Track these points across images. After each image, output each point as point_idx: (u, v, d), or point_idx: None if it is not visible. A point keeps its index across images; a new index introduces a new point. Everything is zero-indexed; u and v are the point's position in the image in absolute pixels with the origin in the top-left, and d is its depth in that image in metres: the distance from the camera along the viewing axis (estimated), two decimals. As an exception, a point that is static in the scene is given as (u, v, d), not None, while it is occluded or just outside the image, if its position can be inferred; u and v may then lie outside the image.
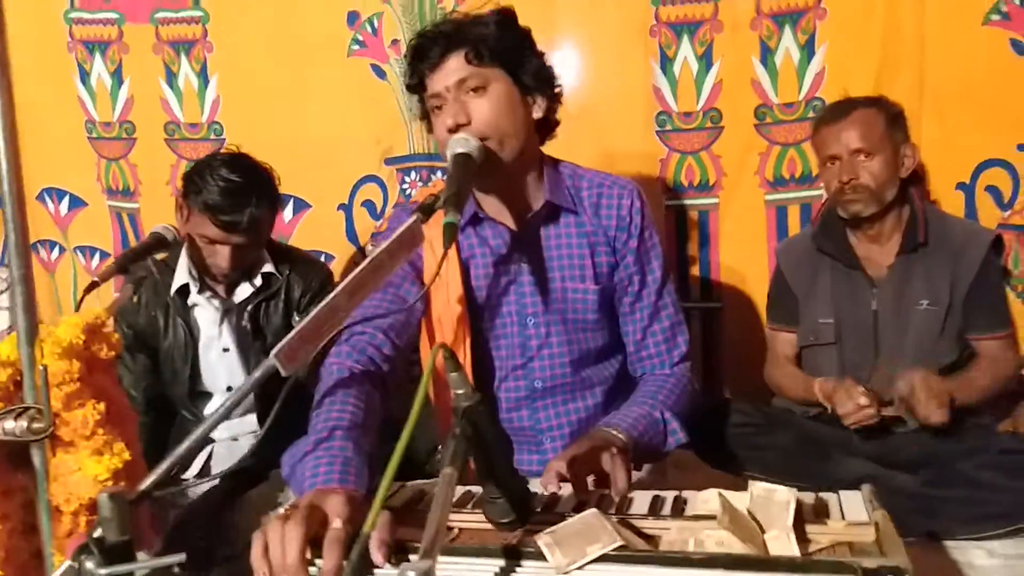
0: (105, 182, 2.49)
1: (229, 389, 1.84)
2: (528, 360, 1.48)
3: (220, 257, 1.73)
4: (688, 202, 2.28)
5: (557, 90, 1.49)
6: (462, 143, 1.29)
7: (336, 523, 0.86)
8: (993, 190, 2.12)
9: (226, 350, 1.84)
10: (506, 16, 1.41)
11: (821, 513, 0.94)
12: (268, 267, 1.85)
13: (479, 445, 0.86)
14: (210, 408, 1.86)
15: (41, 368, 1.05)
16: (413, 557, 0.82)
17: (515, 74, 1.40)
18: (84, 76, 2.45)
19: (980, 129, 2.10)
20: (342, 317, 1.11)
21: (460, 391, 0.86)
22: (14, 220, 1.06)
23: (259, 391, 1.77)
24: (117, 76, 2.43)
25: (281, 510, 0.92)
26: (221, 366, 1.83)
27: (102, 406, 1.12)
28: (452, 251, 1.47)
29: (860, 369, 1.83)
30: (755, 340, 2.23)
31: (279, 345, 1.04)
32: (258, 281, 1.84)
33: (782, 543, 0.84)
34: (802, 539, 0.87)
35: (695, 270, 2.31)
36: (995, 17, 2.06)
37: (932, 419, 1.62)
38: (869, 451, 1.76)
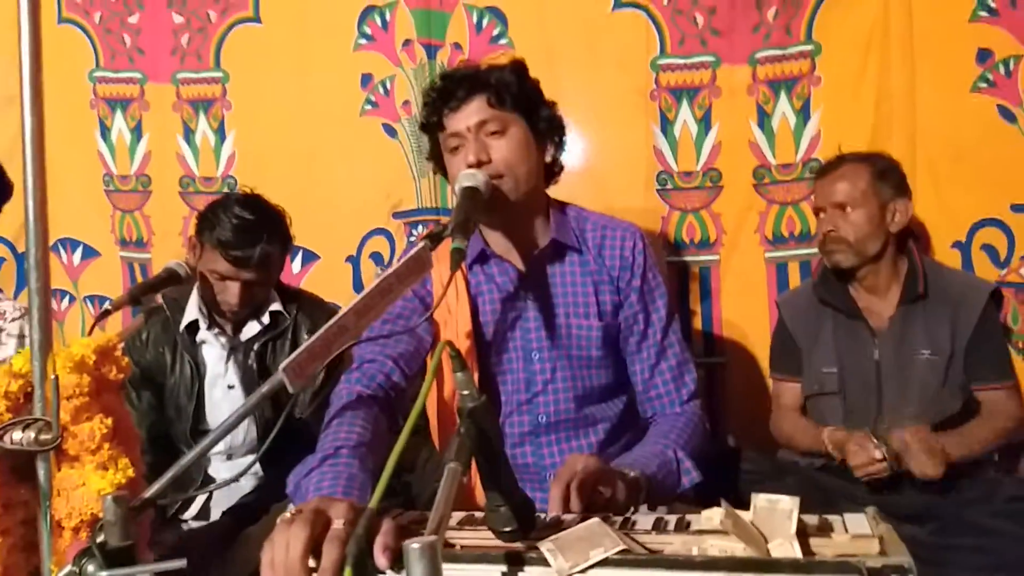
0: (119, 233, 2.54)
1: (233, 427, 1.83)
2: (533, 395, 1.49)
3: (230, 294, 1.76)
4: (689, 259, 2.32)
5: (563, 140, 1.57)
6: (470, 178, 1.35)
7: (338, 523, 0.86)
8: (989, 248, 2.17)
9: (231, 387, 1.85)
10: (521, 65, 1.50)
11: (825, 529, 0.94)
12: (276, 306, 1.88)
13: (483, 447, 0.87)
14: (215, 448, 1.84)
15: (52, 379, 1.07)
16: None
17: (531, 120, 1.48)
18: (105, 131, 2.54)
19: (973, 190, 2.16)
20: (350, 337, 1.14)
21: (465, 392, 0.87)
22: (35, 232, 1.10)
23: (262, 432, 1.79)
24: (137, 132, 2.53)
25: (287, 514, 0.92)
26: (226, 404, 1.83)
27: (109, 421, 1.13)
28: (462, 287, 1.52)
29: (863, 419, 1.83)
30: (759, 394, 2.24)
31: (288, 360, 1.06)
32: (266, 319, 1.87)
33: (785, 550, 0.84)
34: (806, 552, 0.87)
35: (698, 326, 2.33)
36: (982, 85, 2.15)
37: (927, 472, 1.62)
38: (876, 503, 1.73)
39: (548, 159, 1.54)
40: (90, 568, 0.91)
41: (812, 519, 0.98)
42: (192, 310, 1.85)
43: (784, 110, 2.25)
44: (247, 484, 1.81)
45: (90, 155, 2.54)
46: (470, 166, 1.37)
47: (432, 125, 1.47)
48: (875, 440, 1.69)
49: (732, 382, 2.31)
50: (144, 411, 1.84)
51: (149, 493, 1.00)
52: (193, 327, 1.86)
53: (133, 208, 2.53)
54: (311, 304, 1.95)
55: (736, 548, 0.84)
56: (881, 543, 0.85)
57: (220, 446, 1.84)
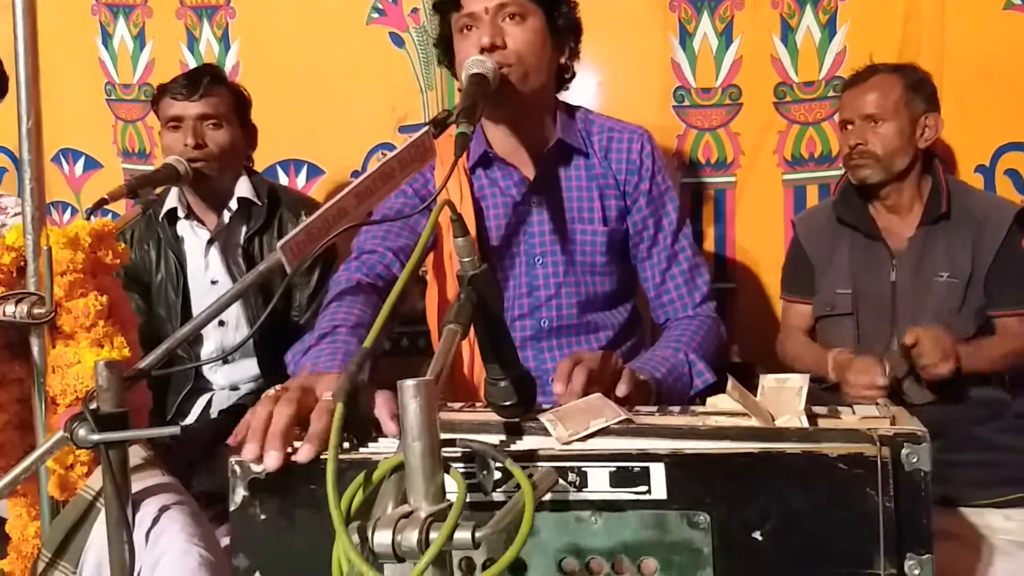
0: (121, 144, 2.49)
1: (221, 324, 1.82)
2: (536, 300, 1.47)
3: (184, 134, 1.76)
4: (705, 180, 2.26)
5: (579, 45, 1.52)
6: (479, 64, 1.29)
7: (326, 395, 0.84)
8: (1013, 173, 2.10)
9: (215, 282, 1.83)
10: None
11: (835, 414, 0.91)
12: (244, 190, 1.85)
13: (484, 317, 0.84)
14: (205, 350, 1.84)
15: (45, 250, 1.04)
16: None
17: (551, 15, 1.42)
18: (106, 38, 2.47)
19: (1000, 113, 2.09)
20: (349, 220, 1.10)
21: (467, 259, 0.84)
22: (27, 102, 1.06)
23: (258, 337, 1.77)
24: (139, 39, 2.45)
25: (271, 391, 0.89)
26: (211, 300, 1.81)
27: (104, 299, 1.10)
28: (466, 191, 1.48)
29: (876, 341, 1.79)
30: (770, 322, 2.20)
31: (285, 238, 1.03)
32: (234, 205, 1.85)
33: (793, 424, 0.81)
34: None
35: (710, 249, 2.28)
36: (1017, 2, 2.06)
37: (937, 369, 1.57)
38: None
39: (562, 60, 1.49)
40: (81, 432, 0.89)
41: (821, 409, 0.95)
42: (172, 199, 1.85)
43: (809, 24, 2.16)
44: (246, 388, 1.81)
45: (91, 63, 2.47)
46: (483, 49, 1.32)
47: (446, 3, 1.41)
48: (882, 367, 1.65)
49: (743, 308, 2.27)
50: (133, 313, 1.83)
51: (143, 364, 0.98)
52: (173, 217, 1.85)
53: (136, 118, 2.47)
54: (293, 200, 1.92)
55: (742, 424, 0.81)
56: (893, 420, 0.82)
57: (211, 345, 1.82)
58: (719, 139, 2.24)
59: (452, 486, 0.61)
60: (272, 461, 0.80)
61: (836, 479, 0.72)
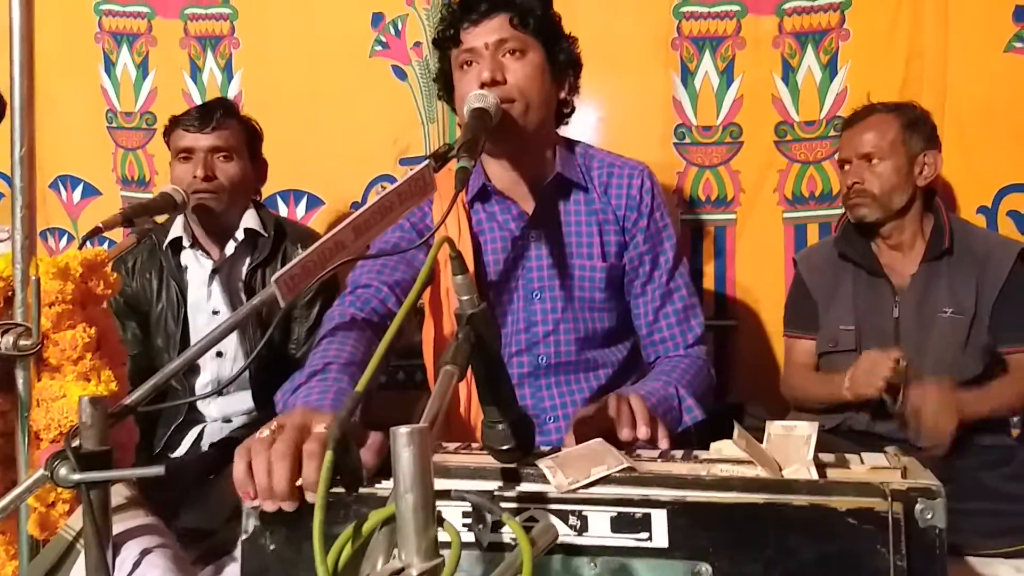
0: (121, 172, 2.48)
1: (219, 355, 1.79)
2: (534, 336, 1.44)
3: (194, 166, 1.76)
4: (705, 217, 2.25)
5: (578, 80, 1.51)
6: (481, 99, 1.28)
7: (318, 428, 0.81)
8: (1015, 215, 2.09)
9: (216, 313, 1.80)
10: None
11: (843, 463, 0.88)
12: (251, 221, 1.84)
13: (482, 358, 0.81)
14: (201, 380, 1.80)
15: (33, 280, 1.02)
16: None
17: (550, 50, 1.42)
18: (109, 66, 2.47)
19: (1002, 154, 2.10)
20: (347, 254, 1.08)
21: (465, 297, 0.81)
22: (21, 129, 1.05)
23: (254, 370, 1.74)
24: (143, 68, 2.46)
25: (266, 432, 0.86)
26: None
27: (93, 331, 1.08)
28: (464, 225, 1.46)
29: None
30: (770, 360, 2.18)
31: (280, 272, 1.01)
32: (240, 235, 1.83)
33: (801, 475, 0.78)
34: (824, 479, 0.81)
35: (709, 287, 2.27)
36: (1017, 44, 2.08)
37: (937, 443, 1.55)
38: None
39: (562, 95, 1.48)
40: (62, 471, 0.86)
41: (829, 457, 0.92)
42: (176, 228, 1.83)
43: (810, 64, 2.17)
44: (239, 420, 1.77)
45: (93, 90, 2.47)
46: (483, 84, 1.31)
47: (446, 40, 1.40)
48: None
49: (742, 346, 2.24)
50: (129, 343, 1.79)
51: (130, 400, 0.95)
52: (177, 246, 1.83)
53: (136, 146, 2.47)
54: (298, 233, 1.91)
55: (748, 474, 0.78)
56: (904, 472, 0.79)
57: (207, 376, 1.79)
58: (720, 176, 2.23)
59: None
60: (291, 508, 0.81)
61: (845, 535, 0.69)
